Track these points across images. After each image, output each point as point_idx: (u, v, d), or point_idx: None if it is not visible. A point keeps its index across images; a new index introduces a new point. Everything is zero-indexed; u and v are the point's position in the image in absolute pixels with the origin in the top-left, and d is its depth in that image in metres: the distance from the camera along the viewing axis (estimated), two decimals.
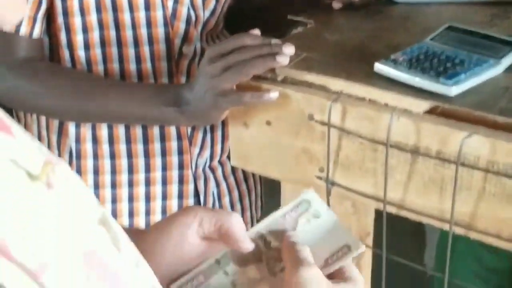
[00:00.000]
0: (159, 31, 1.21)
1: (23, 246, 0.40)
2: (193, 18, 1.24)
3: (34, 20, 1.18)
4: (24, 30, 1.17)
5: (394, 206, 0.96)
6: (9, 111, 1.30)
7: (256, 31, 1.03)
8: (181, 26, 1.23)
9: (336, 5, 1.19)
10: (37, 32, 1.19)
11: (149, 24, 1.20)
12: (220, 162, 1.36)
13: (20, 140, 0.46)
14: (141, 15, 1.20)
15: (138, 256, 0.55)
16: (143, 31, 1.21)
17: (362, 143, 0.95)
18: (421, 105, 0.90)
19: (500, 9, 1.15)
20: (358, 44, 1.05)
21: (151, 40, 1.22)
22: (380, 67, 0.94)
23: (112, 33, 1.21)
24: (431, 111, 0.90)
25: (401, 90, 0.92)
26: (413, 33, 1.03)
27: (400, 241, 2.02)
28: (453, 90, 0.88)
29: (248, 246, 0.69)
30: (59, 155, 1.30)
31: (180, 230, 0.69)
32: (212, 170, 1.36)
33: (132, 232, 0.57)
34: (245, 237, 0.69)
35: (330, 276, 0.65)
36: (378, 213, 0.99)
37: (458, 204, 0.90)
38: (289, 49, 0.98)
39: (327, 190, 1.01)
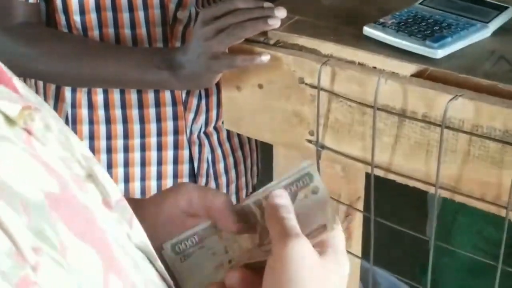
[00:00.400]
0: None
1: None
2: None
3: None
4: None
5: (382, 169, 0.97)
6: None
7: None
8: None
9: None
10: None
11: None
12: (215, 128, 1.37)
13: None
14: None
15: (131, 214, 0.57)
16: None
17: (351, 106, 0.96)
18: (408, 68, 0.91)
19: None
20: (351, 8, 1.05)
21: (146, 5, 1.22)
22: (369, 30, 0.95)
23: None
24: (419, 74, 0.91)
25: (389, 53, 0.93)
26: None
27: (402, 210, 2.04)
28: (439, 52, 0.89)
29: (232, 227, 0.69)
30: None
31: (171, 208, 0.71)
32: (207, 136, 1.37)
33: (129, 201, 0.58)
34: (229, 217, 0.69)
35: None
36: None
37: (443, 167, 0.91)
38: (281, 12, 0.99)
39: (317, 153, 1.02)
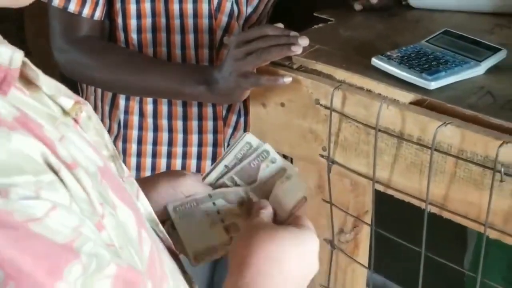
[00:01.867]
0: (204, 22, 1.37)
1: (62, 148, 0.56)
2: (236, 12, 1.39)
3: (96, 4, 1.35)
4: (86, 12, 1.35)
5: (382, 185, 1.09)
6: (75, 84, 1.49)
7: (279, 24, 1.18)
8: (223, 18, 1.38)
9: (357, 6, 1.33)
10: (98, 14, 1.36)
11: (195, 15, 1.36)
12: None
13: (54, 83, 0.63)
14: (189, 6, 1.36)
15: (137, 188, 0.73)
16: (189, 21, 1.37)
17: (358, 127, 1.08)
18: (406, 96, 1.03)
19: (504, 19, 1.27)
20: (366, 41, 1.18)
21: (196, 29, 1.38)
22: (375, 61, 1.07)
23: (162, 21, 1.37)
24: (418, 103, 1.03)
25: (392, 83, 1.05)
26: (418, 35, 1.16)
27: (443, 242, 2.10)
28: (432, 84, 1.01)
29: None
30: (110, 124, 1.47)
31: (166, 187, 0.89)
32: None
33: None
34: None
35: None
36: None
37: (433, 186, 1.02)
38: (304, 41, 1.13)
39: (328, 167, 1.14)
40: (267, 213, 0.82)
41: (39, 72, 0.60)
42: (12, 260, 0.46)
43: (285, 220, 0.83)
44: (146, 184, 0.87)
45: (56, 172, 0.52)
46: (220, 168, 0.92)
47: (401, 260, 1.44)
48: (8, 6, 0.59)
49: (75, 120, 0.64)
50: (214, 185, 0.91)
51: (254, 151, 0.91)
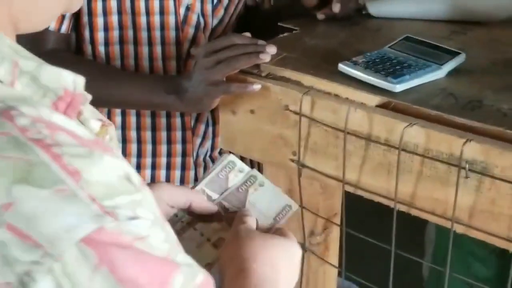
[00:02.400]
0: (171, 34, 1.40)
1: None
2: (202, 24, 1.42)
3: (63, 18, 1.37)
4: (53, 26, 1.37)
5: (352, 186, 1.13)
6: None
7: (247, 34, 1.22)
8: (190, 30, 1.42)
9: (320, 16, 1.38)
10: (64, 28, 1.38)
11: (162, 27, 1.39)
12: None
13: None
14: (155, 19, 1.39)
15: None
16: (157, 33, 1.40)
17: (326, 130, 1.12)
18: (373, 100, 1.07)
19: (460, 26, 1.33)
20: (331, 48, 1.23)
21: (163, 41, 1.40)
22: (342, 66, 1.12)
23: (129, 33, 1.40)
24: (384, 106, 1.08)
25: (359, 87, 1.09)
26: (379, 42, 1.21)
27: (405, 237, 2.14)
28: (397, 87, 1.05)
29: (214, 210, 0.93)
30: None
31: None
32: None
33: None
34: (212, 207, 0.93)
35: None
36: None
37: (401, 185, 1.06)
38: (271, 49, 1.17)
39: (298, 171, 1.18)
40: (252, 219, 0.86)
41: (88, 97, 0.60)
42: (132, 279, 0.47)
43: (268, 229, 0.89)
44: None
45: (140, 191, 0.53)
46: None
47: (370, 261, 1.47)
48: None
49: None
50: None
51: (220, 162, 0.96)
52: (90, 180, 0.48)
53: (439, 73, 1.10)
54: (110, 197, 0.49)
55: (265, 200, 0.92)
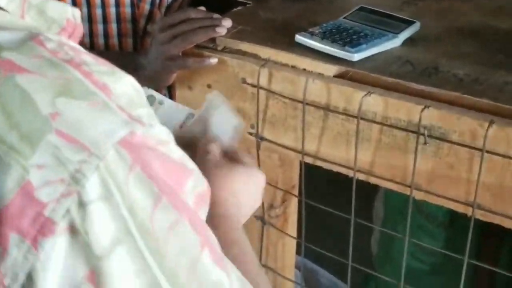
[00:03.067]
0: (126, 11, 1.38)
1: None
2: (157, 0, 1.41)
3: None
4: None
5: (311, 157, 1.14)
6: None
7: (202, 8, 1.21)
8: (146, 7, 1.40)
9: None
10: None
11: (117, 4, 1.38)
12: None
13: None
14: None
15: None
16: (111, 10, 1.38)
17: (285, 102, 1.13)
18: (331, 70, 1.08)
19: None
20: (286, 21, 1.23)
21: (118, 18, 1.39)
22: (299, 38, 1.12)
23: (84, 10, 1.37)
24: (341, 76, 1.08)
25: (317, 57, 1.10)
26: (333, 14, 1.21)
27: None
28: (355, 56, 1.06)
29: None
30: None
31: None
32: None
33: None
34: None
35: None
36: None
37: (360, 154, 1.07)
38: (227, 22, 1.16)
39: (257, 144, 1.18)
40: (214, 147, 0.88)
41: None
42: (158, 176, 0.54)
43: (226, 149, 0.90)
44: None
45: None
46: None
47: (329, 232, 1.49)
48: None
49: None
50: None
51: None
52: (117, 93, 0.55)
53: (395, 42, 1.11)
54: (134, 108, 0.55)
55: (222, 123, 0.93)
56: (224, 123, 0.92)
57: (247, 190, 0.86)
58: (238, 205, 0.84)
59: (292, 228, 1.31)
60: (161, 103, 0.95)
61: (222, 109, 0.95)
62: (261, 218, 1.26)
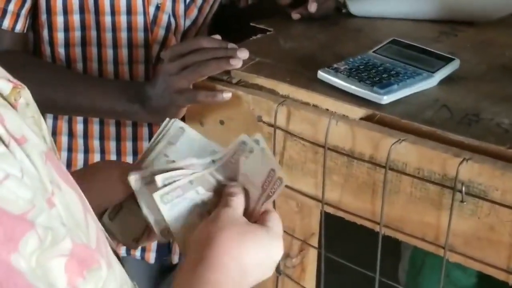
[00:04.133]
0: (139, 35, 1.28)
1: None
2: (173, 25, 1.30)
3: (18, 15, 1.24)
4: (6, 24, 1.24)
5: (332, 207, 1.01)
6: None
7: (217, 36, 1.10)
8: (160, 32, 1.29)
9: (295, 16, 1.26)
10: (20, 26, 1.25)
11: (129, 28, 1.27)
12: None
13: None
14: (122, 19, 1.26)
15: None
16: (123, 34, 1.27)
17: (304, 145, 1.01)
18: (357, 112, 0.96)
19: (448, 27, 1.22)
20: (309, 52, 1.11)
21: (130, 43, 1.28)
22: (322, 74, 1.00)
23: (93, 34, 1.27)
24: (368, 118, 0.96)
25: (341, 97, 0.97)
26: (362, 45, 1.09)
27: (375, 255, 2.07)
28: (384, 98, 0.93)
29: None
30: None
31: (103, 177, 0.87)
32: None
33: None
34: None
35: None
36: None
37: (387, 207, 0.95)
38: (243, 53, 1.04)
39: None
40: (237, 200, 0.78)
41: None
42: None
43: (257, 202, 0.79)
44: (85, 174, 0.85)
45: (6, 145, 0.52)
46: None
47: (352, 283, 1.37)
48: None
49: (13, 106, 0.59)
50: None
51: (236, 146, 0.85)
52: None
53: (431, 82, 0.98)
54: None
55: (254, 167, 0.80)
56: (260, 168, 0.79)
57: (258, 260, 0.74)
58: (241, 273, 0.72)
59: (309, 280, 1.19)
60: (251, 150, 0.82)
61: (259, 152, 0.82)
62: (277, 268, 1.14)
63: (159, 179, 0.82)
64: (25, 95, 0.61)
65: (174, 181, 0.82)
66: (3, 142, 0.52)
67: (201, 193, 0.83)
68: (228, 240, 0.72)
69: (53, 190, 0.55)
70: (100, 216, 0.87)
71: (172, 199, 0.82)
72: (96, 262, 0.57)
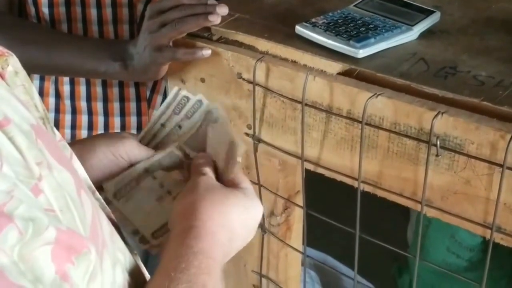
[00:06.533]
0: None
1: None
2: None
3: None
4: None
5: (312, 164, 1.01)
6: None
7: None
8: None
9: None
10: None
11: None
12: None
13: None
14: None
15: (71, 152, 0.68)
16: None
17: (283, 101, 1.00)
18: (334, 67, 0.94)
19: None
20: (289, 8, 1.09)
21: (114, 3, 1.27)
22: (300, 29, 0.98)
23: None
24: (347, 73, 0.95)
25: (319, 52, 0.96)
26: (345, 0, 1.07)
27: (384, 217, 2.07)
28: (361, 52, 0.92)
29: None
30: None
31: (105, 151, 0.83)
32: None
33: None
34: None
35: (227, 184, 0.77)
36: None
37: (365, 163, 0.94)
38: (222, 9, 1.03)
39: (254, 146, 1.05)
40: (207, 169, 0.77)
41: None
42: None
43: (223, 171, 0.78)
44: (83, 148, 0.81)
45: None
46: (156, 127, 0.87)
47: (340, 239, 1.36)
48: None
49: (0, 75, 0.57)
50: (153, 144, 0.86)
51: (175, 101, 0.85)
52: None
53: (410, 35, 0.96)
54: None
55: (219, 139, 0.80)
56: (222, 140, 0.78)
57: (242, 222, 0.74)
58: (228, 237, 0.72)
59: (296, 237, 1.18)
60: (216, 120, 0.82)
61: (220, 123, 0.82)
62: (261, 226, 1.14)
63: (110, 195, 0.82)
64: (13, 63, 0.59)
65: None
66: None
67: (159, 177, 0.82)
68: (211, 206, 0.72)
69: (41, 173, 0.53)
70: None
71: (126, 192, 0.82)
72: (85, 247, 0.55)
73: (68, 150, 0.67)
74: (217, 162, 0.79)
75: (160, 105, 0.88)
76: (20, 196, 0.49)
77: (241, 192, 0.76)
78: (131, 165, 0.83)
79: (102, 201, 0.73)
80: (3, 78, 0.57)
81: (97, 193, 0.71)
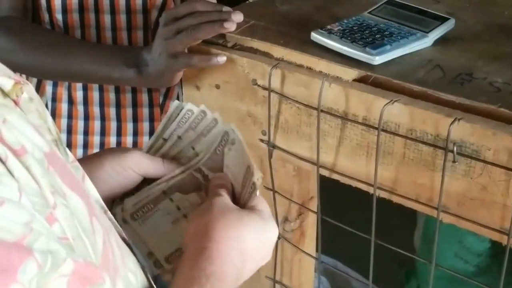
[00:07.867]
0: (137, 1, 1.27)
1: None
2: None
3: None
4: None
5: (327, 170, 1.01)
6: None
7: None
8: None
9: None
10: None
11: None
12: None
13: None
14: None
15: (83, 173, 0.67)
16: (121, 0, 1.27)
17: (299, 108, 1.00)
18: (350, 73, 0.95)
19: None
20: (304, 14, 1.10)
21: (128, 9, 1.27)
22: (315, 36, 0.99)
23: (90, 0, 1.27)
24: (362, 80, 0.95)
25: (334, 59, 0.96)
26: (358, 6, 1.08)
27: (391, 223, 2.07)
28: (377, 59, 0.92)
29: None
30: None
31: (113, 164, 0.82)
32: None
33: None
34: None
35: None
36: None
37: (381, 169, 0.94)
38: (237, 16, 1.03)
39: (269, 152, 1.06)
40: (223, 190, 0.77)
41: None
42: None
43: (240, 194, 0.77)
44: (91, 163, 0.80)
45: (3, 162, 0.49)
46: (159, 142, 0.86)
47: (350, 245, 1.36)
48: None
49: (15, 102, 0.57)
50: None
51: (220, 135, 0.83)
52: None
53: (425, 42, 0.97)
54: None
55: (236, 162, 0.79)
56: (239, 163, 0.78)
57: (257, 244, 0.73)
58: (242, 260, 0.71)
59: (309, 243, 1.19)
60: (233, 143, 0.81)
61: (238, 146, 0.80)
62: None
63: (127, 216, 0.82)
64: (28, 90, 0.59)
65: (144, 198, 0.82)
66: (0, 160, 0.50)
67: (176, 199, 0.82)
68: (225, 228, 0.71)
69: (55, 202, 0.53)
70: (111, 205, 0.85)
71: (143, 214, 0.82)
72: (99, 278, 0.56)
73: (80, 171, 0.67)
74: (234, 184, 0.79)
75: None
76: (39, 228, 0.50)
77: (256, 214, 0.74)
78: (144, 179, 0.83)
79: (114, 220, 0.72)
80: (17, 104, 0.57)
81: (109, 212, 0.71)
